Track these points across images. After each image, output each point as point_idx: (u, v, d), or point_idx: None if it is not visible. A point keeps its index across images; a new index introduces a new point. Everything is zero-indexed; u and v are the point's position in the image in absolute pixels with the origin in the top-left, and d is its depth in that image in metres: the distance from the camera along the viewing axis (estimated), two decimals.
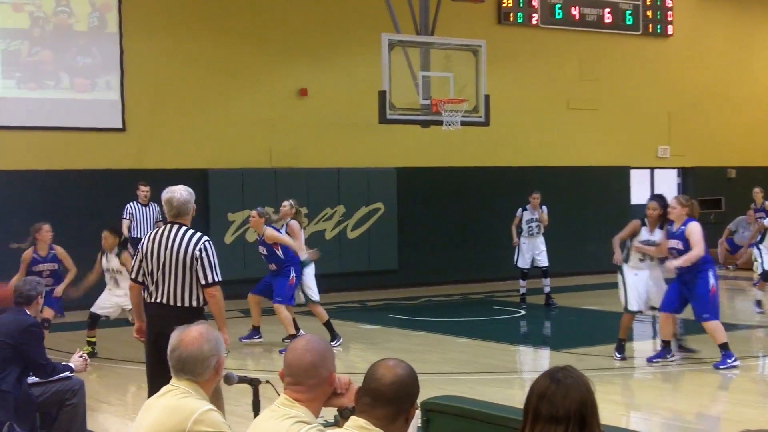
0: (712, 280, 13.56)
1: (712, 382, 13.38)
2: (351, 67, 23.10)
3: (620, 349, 14.30)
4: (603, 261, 19.39)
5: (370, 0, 22.35)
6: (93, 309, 14.76)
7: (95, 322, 14.76)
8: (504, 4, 25.44)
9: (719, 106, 29.05)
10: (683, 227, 13.61)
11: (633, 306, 14.25)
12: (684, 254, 13.50)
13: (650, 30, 27.81)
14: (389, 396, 4.20)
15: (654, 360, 14.08)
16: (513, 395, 11.64)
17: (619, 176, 27.35)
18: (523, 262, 20.33)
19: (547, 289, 20.27)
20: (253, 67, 22.33)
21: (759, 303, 18.77)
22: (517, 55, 25.51)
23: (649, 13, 27.73)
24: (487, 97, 20.31)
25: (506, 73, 24.52)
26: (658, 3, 27.88)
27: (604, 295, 20.96)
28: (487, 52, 20.37)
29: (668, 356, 14.05)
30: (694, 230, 13.45)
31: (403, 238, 23.57)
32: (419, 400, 4.55)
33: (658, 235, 14.08)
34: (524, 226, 20.27)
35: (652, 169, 28.72)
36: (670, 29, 28.15)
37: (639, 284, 14.25)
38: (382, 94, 19.30)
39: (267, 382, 5.27)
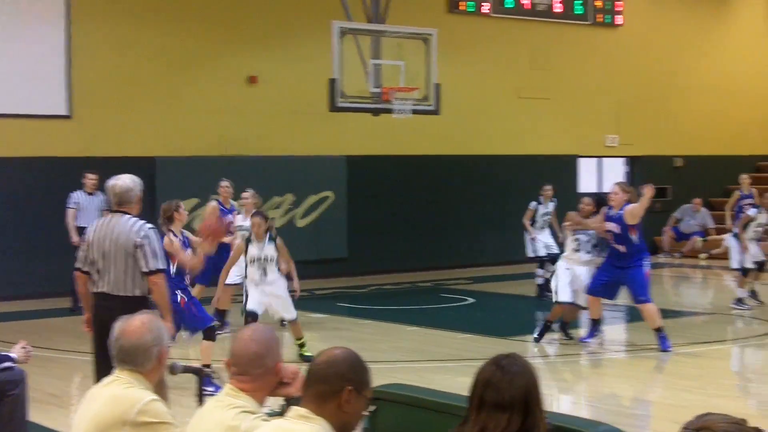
0: (647, 267, 13.95)
1: (654, 367, 13.48)
2: (302, 54, 23.00)
3: (542, 332, 14.56)
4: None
5: None
6: None
7: None
8: None
9: (667, 96, 29.23)
10: (621, 211, 13.80)
11: (562, 297, 14.37)
12: (621, 239, 13.73)
13: (600, 19, 27.91)
14: (318, 374, 4.17)
15: (585, 340, 14.28)
16: (461, 383, 11.61)
17: (568, 165, 27.46)
18: (536, 251, 19.94)
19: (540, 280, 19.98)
20: (203, 54, 22.18)
21: (740, 300, 18.47)
22: (468, 44, 25.52)
23: (599, 2, 27.82)
24: (437, 86, 20.35)
25: (457, 62, 24.51)
26: None
27: None
28: (438, 40, 20.40)
29: (597, 334, 14.39)
30: (630, 208, 13.77)
31: (352, 226, 23.54)
32: None
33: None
34: (539, 219, 19.94)
35: (600, 158, 28.86)
36: (619, 19, 28.27)
37: (570, 279, 14.38)
38: (333, 82, 19.28)
39: (212, 372, 5.27)
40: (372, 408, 4.70)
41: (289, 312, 13.43)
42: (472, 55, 25.68)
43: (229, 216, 16.09)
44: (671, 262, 26.97)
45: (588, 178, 28.93)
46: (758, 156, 31.12)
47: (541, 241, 19.67)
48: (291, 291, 13.66)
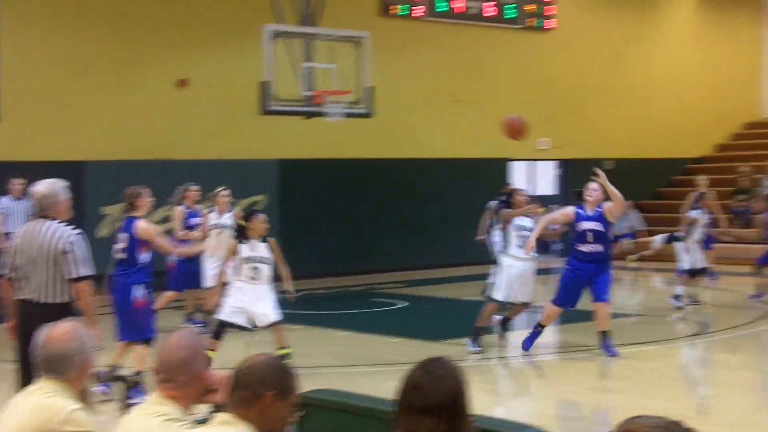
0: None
1: (588, 369, 13.56)
2: (232, 57, 22.88)
3: (476, 339, 14.41)
4: (485, 252, 19.53)
5: None
6: None
7: None
8: None
9: (598, 100, 29.47)
10: (599, 209, 13.84)
11: (498, 296, 14.39)
12: (601, 238, 13.85)
13: (531, 24, 28.06)
14: (240, 380, 4.18)
15: (528, 345, 14.21)
16: (392, 387, 11.62)
17: (500, 168, 27.56)
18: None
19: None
20: (133, 57, 21.97)
21: (678, 297, 18.76)
22: (401, 48, 25.55)
23: (530, 7, 27.96)
24: (370, 89, 20.37)
25: (390, 65, 24.52)
26: None
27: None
28: (371, 44, 20.41)
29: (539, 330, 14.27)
30: (610, 206, 14.01)
31: (284, 230, 23.39)
32: None
33: (529, 222, 14.39)
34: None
35: (532, 161, 29.02)
36: (550, 23, 28.42)
37: (512, 276, 14.40)
38: (264, 85, 19.22)
39: (138, 380, 5.22)
40: (300, 413, 4.68)
41: (275, 314, 12.97)
42: (405, 59, 25.70)
43: (197, 219, 16.28)
44: None
45: (520, 181, 29.06)
46: (687, 159, 31.48)
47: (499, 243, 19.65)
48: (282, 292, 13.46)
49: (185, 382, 4.54)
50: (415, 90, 25.85)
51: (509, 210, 14.70)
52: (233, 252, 13.05)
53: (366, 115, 20.63)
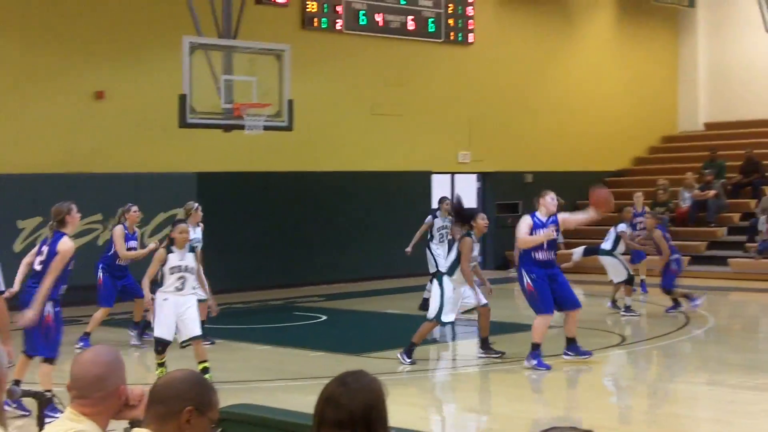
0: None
1: (511, 381, 13.61)
2: (151, 69, 22.69)
3: (409, 353, 14.31)
4: (407, 264, 19.59)
5: (172, 2, 22.00)
6: None
7: None
8: (308, 9, 25.37)
9: (517, 113, 29.67)
10: (554, 218, 14.45)
11: (447, 317, 14.37)
12: (554, 244, 14.48)
13: (452, 38, 28.19)
14: (157, 396, 4.11)
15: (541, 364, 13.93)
16: (311, 401, 11.58)
17: (422, 181, 27.64)
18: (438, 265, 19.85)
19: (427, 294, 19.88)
20: (49, 67, 21.68)
21: (628, 308, 19.17)
22: (322, 61, 25.52)
23: (451, 21, 28.10)
24: (290, 102, 20.30)
25: (311, 78, 24.48)
26: (460, 11, 28.28)
27: (408, 299, 21.17)
28: (292, 57, 20.36)
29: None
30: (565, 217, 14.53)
31: (204, 244, 23.21)
32: None
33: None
34: (436, 233, 19.89)
35: (453, 173, 29.13)
36: (471, 37, 28.58)
37: (455, 297, 14.40)
38: (183, 98, 19.07)
39: (53, 396, 5.14)
40: (218, 429, 4.63)
41: (198, 328, 12.86)
42: (326, 72, 25.68)
43: (133, 242, 16.28)
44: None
45: (441, 194, 29.15)
46: (606, 172, 31.79)
47: (441, 256, 19.67)
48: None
49: (100, 399, 4.46)
50: (336, 103, 25.84)
51: (467, 240, 14.56)
52: (161, 261, 12.91)
53: (286, 128, 20.56)
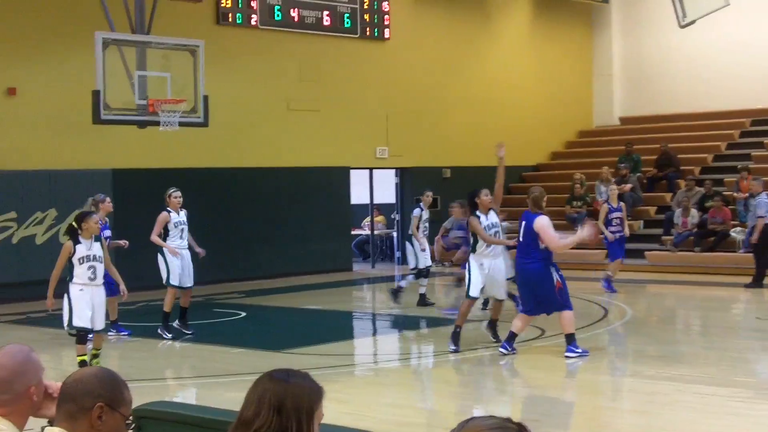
0: (556, 275, 14.08)
1: (424, 375, 13.60)
2: (64, 66, 22.36)
3: (455, 338, 14.51)
4: (326, 260, 19.52)
5: None
6: None
7: None
8: (223, 5, 25.18)
9: (434, 108, 29.71)
10: (492, 212, 14.70)
11: (473, 293, 14.64)
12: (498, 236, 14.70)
13: (368, 33, 28.14)
14: (68, 393, 3.99)
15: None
16: (231, 398, 11.48)
17: (340, 176, 27.57)
18: (425, 261, 19.90)
19: (422, 290, 20.04)
20: None
21: None
22: (237, 56, 25.34)
23: (366, 16, 28.05)
24: (205, 98, 20.11)
25: (226, 74, 24.31)
26: (375, 7, 28.25)
27: (327, 294, 21.12)
28: (206, 52, 20.17)
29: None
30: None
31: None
32: None
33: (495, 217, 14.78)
34: (421, 226, 19.85)
35: (371, 169, 29.12)
36: (387, 33, 28.56)
37: (481, 274, 14.57)
38: (96, 94, 18.82)
39: None
40: (135, 426, 4.52)
41: (102, 320, 13.17)
42: (241, 67, 25.50)
43: (107, 231, 16.77)
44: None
45: (360, 189, 29.17)
46: (523, 167, 31.99)
47: (427, 251, 19.76)
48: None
49: (8, 401, 4.32)
50: (252, 99, 25.67)
51: (473, 219, 14.66)
52: (69, 253, 12.92)
53: (202, 124, 20.39)
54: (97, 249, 13.03)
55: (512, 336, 14.09)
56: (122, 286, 13.75)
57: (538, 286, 13.88)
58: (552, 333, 16.42)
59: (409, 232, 19.95)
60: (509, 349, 14.04)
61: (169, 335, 16.21)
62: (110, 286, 14.95)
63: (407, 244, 20.04)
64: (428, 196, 20.18)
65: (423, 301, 19.90)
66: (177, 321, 16.65)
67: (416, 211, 19.97)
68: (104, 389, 4.00)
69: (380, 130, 28.58)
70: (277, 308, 21.04)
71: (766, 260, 21.80)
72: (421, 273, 19.84)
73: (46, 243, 21.61)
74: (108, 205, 16.81)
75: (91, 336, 13.25)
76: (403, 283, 20.22)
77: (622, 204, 21.15)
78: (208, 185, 24.67)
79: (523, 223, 13.94)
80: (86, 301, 12.84)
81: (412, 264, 20.01)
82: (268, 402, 3.85)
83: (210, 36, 22.56)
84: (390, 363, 14.80)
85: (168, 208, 16.72)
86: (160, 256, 16.83)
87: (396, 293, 20.09)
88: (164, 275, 16.63)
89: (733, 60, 31.34)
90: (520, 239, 13.98)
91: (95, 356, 13.09)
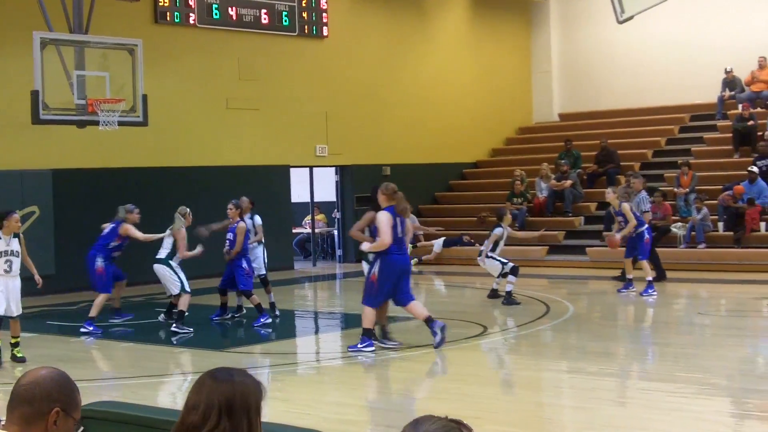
0: (374, 268, 14.35)
1: (367, 373, 13.63)
2: (1, 65, 22.17)
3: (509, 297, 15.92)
4: (267, 259, 19.48)
5: None
6: None
7: None
8: (160, 4, 25.08)
9: (374, 106, 29.76)
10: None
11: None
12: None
13: (306, 31, 28.13)
14: (22, 396, 3.94)
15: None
16: (175, 397, 11.47)
17: (280, 175, 27.54)
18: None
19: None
20: None
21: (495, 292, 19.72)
22: (176, 55, 25.25)
23: (305, 14, 28.03)
24: (144, 97, 20.05)
25: (165, 73, 24.22)
26: (313, 5, 28.23)
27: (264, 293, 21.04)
28: (145, 51, 20.11)
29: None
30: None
31: (60, 241, 22.83)
32: None
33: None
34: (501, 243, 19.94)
35: (311, 167, 29.11)
36: (325, 30, 28.56)
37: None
38: (35, 94, 18.71)
39: None
40: (80, 428, 4.49)
41: (19, 307, 14.16)
42: (180, 66, 25.41)
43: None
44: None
45: (300, 188, 29.16)
46: (463, 163, 32.13)
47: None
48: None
49: None
50: (191, 97, 25.60)
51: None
52: None
53: (141, 124, 20.34)
54: (15, 245, 14.06)
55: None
56: (37, 276, 14.56)
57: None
58: (494, 330, 16.53)
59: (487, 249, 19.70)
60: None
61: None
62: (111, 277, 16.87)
63: (488, 260, 19.75)
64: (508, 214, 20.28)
65: (493, 294, 19.89)
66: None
67: (498, 230, 19.70)
68: (61, 394, 3.97)
69: (320, 128, 28.58)
70: (215, 307, 20.95)
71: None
72: (514, 271, 19.49)
73: None
74: (135, 216, 18.36)
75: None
76: (509, 288, 19.61)
77: (624, 206, 20.64)
78: (148, 185, 24.54)
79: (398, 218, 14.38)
80: (2, 291, 13.88)
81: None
82: (218, 405, 3.83)
83: (148, 35, 22.47)
84: (332, 361, 14.81)
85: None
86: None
87: (509, 298, 19.46)
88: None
89: (672, 55, 31.65)
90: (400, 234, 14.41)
91: (15, 345, 14.11)
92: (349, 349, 14.48)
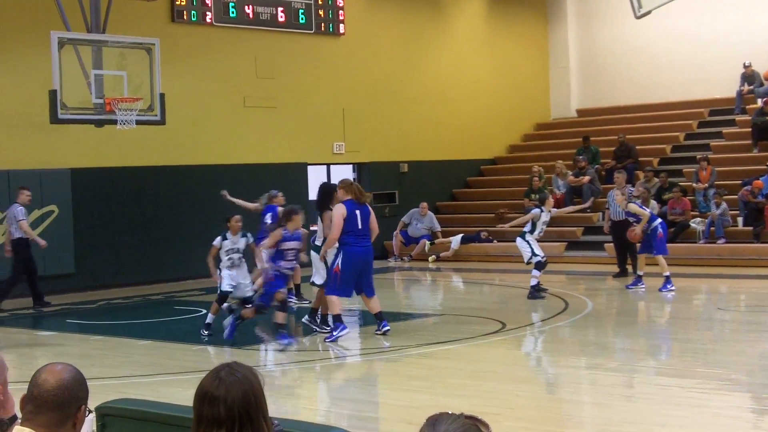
0: (338, 260, 14.92)
1: (385, 369, 13.62)
2: (20, 65, 22.25)
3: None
4: None
5: None
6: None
7: None
8: (177, 3, 25.13)
9: (390, 103, 29.74)
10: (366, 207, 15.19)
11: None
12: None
13: (323, 29, 28.14)
14: (53, 402, 3.96)
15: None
16: (193, 395, 11.47)
17: (297, 172, 27.55)
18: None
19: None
20: None
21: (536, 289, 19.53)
22: (193, 54, 25.29)
23: (321, 12, 28.04)
24: (162, 96, 20.10)
25: (182, 72, 24.26)
26: (330, 2, 28.24)
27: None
28: (162, 50, 20.16)
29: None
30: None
31: (79, 240, 22.92)
32: (92, 404, 4.35)
33: None
34: (540, 225, 20.08)
35: (328, 165, 29.11)
36: (341, 28, 28.57)
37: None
38: (53, 94, 18.78)
39: None
40: (90, 413, 4.52)
41: None
42: (197, 65, 25.45)
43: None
44: (401, 266, 27.43)
45: (318, 185, 29.11)
46: (480, 160, 32.09)
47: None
48: None
49: None
50: (208, 96, 25.63)
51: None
52: None
53: (158, 123, 20.39)
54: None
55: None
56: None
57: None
58: (513, 327, 16.51)
59: (525, 229, 19.70)
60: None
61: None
62: None
63: (519, 239, 19.75)
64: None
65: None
66: None
67: (535, 210, 19.81)
68: (82, 390, 4.05)
69: (337, 126, 28.59)
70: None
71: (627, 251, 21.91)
72: (539, 265, 19.48)
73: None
74: (281, 198, 19.17)
75: None
76: (533, 282, 19.57)
77: (630, 206, 20.46)
78: (166, 183, 24.63)
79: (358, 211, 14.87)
80: None
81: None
82: (240, 400, 3.86)
83: (165, 34, 22.51)
84: (350, 358, 14.82)
85: None
86: None
87: (537, 291, 19.45)
88: None
89: (690, 50, 31.53)
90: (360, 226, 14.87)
91: None
92: (326, 341, 14.95)
